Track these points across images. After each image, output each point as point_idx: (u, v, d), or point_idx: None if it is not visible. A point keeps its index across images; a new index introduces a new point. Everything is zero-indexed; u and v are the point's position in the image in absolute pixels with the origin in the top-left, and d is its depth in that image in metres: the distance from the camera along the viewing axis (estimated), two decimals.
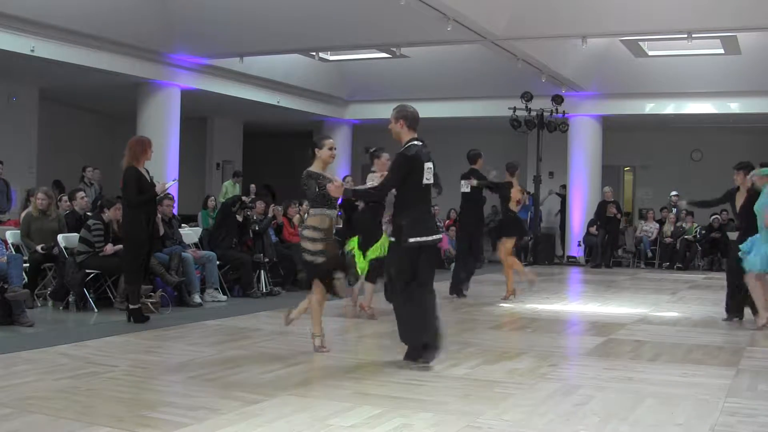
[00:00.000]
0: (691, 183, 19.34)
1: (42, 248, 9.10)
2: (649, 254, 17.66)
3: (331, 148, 6.35)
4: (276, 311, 9.06)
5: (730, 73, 15.98)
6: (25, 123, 15.74)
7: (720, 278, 14.29)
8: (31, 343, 6.58)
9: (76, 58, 12.90)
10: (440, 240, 6.17)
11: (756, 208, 7.94)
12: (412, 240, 5.79)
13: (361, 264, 8.09)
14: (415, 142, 5.96)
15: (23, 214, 9.92)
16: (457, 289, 10.60)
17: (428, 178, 5.94)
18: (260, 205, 11.39)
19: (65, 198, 10.53)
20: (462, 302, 10.23)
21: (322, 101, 19.38)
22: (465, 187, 10.31)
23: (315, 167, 6.32)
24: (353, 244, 8.19)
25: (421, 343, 5.86)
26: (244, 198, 11.40)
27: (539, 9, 12.16)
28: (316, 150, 6.32)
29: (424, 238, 5.85)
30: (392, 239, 6.02)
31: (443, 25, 11.33)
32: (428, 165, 5.94)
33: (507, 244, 10.45)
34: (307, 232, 6.22)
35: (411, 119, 6.00)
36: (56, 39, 12.42)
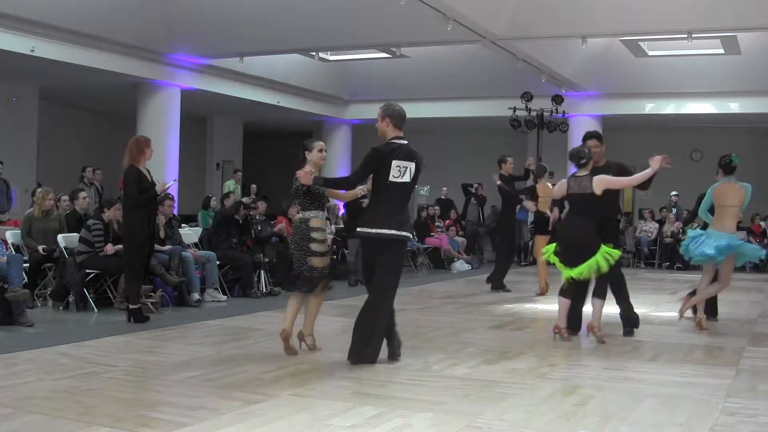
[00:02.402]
0: (691, 183, 19.32)
1: (44, 249, 9.11)
2: (649, 254, 17.64)
3: (320, 150, 6.36)
4: (276, 311, 9.07)
5: (730, 73, 15.99)
6: (25, 123, 15.74)
7: None
8: (31, 343, 6.58)
9: (76, 58, 12.92)
10: (403, 237, 5.97)
11: None
12: (359, 229, 5.94)
13: (566, 273, 7.05)
14: (395, 141, 5.97)
15: (25, 214, 9.93)
16: (502, 283, 11.39)
17: (395, 175, 5.87)
18: (262, 205, 11.42)
19: (65, 198, 10.52)
20: (462, 302, 10.24)
21: (322, 101, 19.40)
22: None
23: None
24: (549, 252, 7.30)
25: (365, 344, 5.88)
26: (244, 199, 11.40)
27: (539, 9, 12.16)
28: (306, 153, 6.34)
29: (372, 230, 5.86)
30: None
31: (443, 25, 11.34)
32: (402, 163, 5.88)
33: (539, 242, 10.83)
34: (315, 234, 6.20)
35: (397, 117, 6.02)
36: (56, 39, 12.43)
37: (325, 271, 6.24)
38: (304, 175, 6.06)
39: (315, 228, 6.18)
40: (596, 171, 7.22)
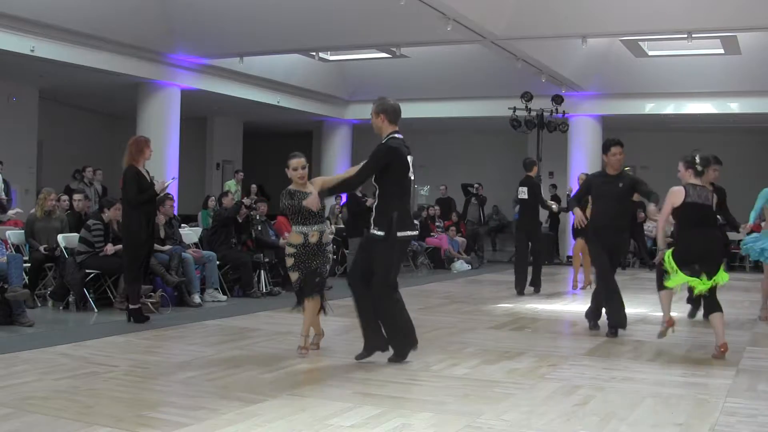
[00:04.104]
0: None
1: (45, 249, 9.11)
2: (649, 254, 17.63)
3: (295, 169, 6.19)
4: (276, 311, 9.08)
5: (730, 73, 15.98)
6: (25, 123, 15.74)
7: None
8: (31, 343, 6.58)
9: (76, 58, 12.91)
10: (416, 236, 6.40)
11: None
12: (401, 234, 5.86)
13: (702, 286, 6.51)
14: (396, 136, 5.98)
15: (28, 215, 9.95)
16: (536, 284, 11.41)
17: (412, 172, 5.99)
18: (263, 207, 11.43)
19: (64, 198, 10.53)
20: (462, 302, 10.25)
21: (322, 101, 19.39)
22: (522, 194, 11.21)
23: (293, 184, 6.26)
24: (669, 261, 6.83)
25: (412, 339, 6.01)
26: (244, 200, 11.39)
27: (539, 9, 12.16)
28: (286, 169, 6.28)
29: (410, 233, 6.00)
30: (379, 233, 5.87)
31: (443, 25, 11.33)
32: (411, 159, 5.99)
33: (579, 243, 11.62)
34: (286, 249, 6.34)
35: (391, 113, 6.00)
36: (56, 39, 12.43)
37: (298, 286, 6.22)
38: (313, 203, 5.99)
39: (287, 243, 6.32)
40: (617, 178, 7.59)
